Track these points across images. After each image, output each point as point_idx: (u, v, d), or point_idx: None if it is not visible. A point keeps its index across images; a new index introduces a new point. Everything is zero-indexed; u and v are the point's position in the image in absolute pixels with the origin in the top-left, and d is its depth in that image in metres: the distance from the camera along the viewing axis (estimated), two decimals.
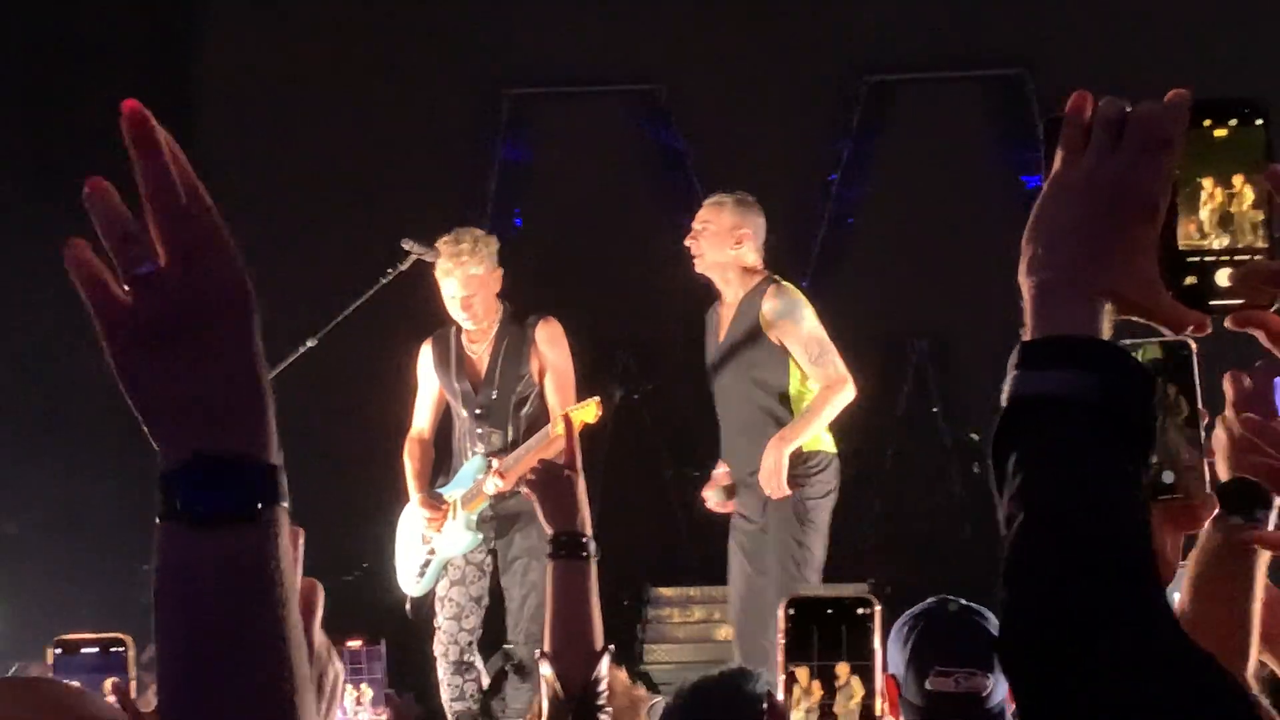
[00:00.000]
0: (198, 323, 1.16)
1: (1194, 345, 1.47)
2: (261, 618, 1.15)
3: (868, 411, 6.91)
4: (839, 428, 6.23)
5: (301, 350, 6.06)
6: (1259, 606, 1.88)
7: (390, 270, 6.15)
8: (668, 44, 10.18)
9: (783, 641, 1.97)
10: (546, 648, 2.95)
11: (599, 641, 2.96)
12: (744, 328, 6.13)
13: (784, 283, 6.15)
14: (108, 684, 2.26)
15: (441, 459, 6.50)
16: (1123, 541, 1.22)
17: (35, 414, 8.07)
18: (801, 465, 6.00)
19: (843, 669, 1.96)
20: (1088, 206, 1.30)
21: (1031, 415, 1.26)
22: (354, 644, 3.90)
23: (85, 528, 7.86)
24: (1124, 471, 1.24)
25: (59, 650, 2.30)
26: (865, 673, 1.96)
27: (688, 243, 6.23)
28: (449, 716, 6.26)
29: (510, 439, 6.28)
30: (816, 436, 6.04)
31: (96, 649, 2.27)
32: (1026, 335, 1.29)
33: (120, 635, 2.32)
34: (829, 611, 1.98)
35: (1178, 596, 1.89)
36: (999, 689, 3.05)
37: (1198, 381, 1.50)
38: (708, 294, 6.36)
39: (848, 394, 6.01)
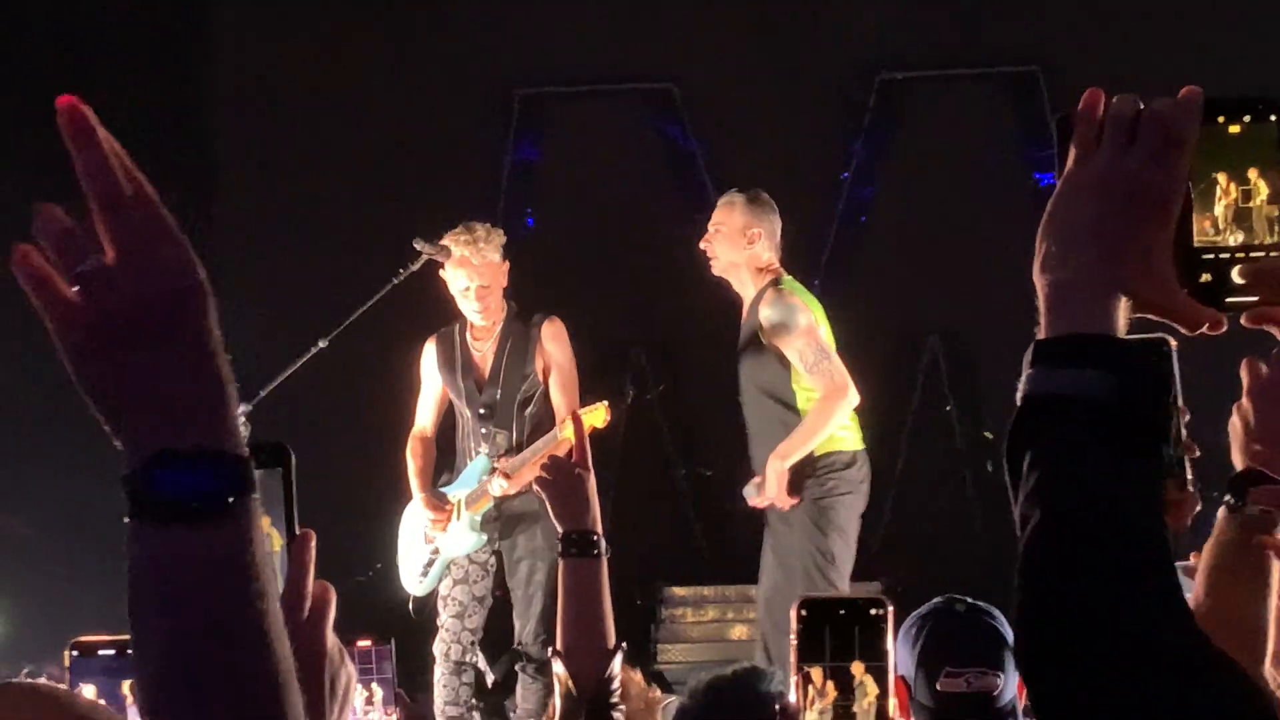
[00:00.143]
0: (149, 317, 1.14)
1: (1174, 343, 1.47)
2: (242, 610, 1.14)
3: (880, 410, 6.88)
4: None
5: (313, 352, 6.04)
6: (1276, 601, 1.87)
7: (401, 271, 6.13)
8: (679, 43, 10.17)
9: (795, 642, 1.98)
10: (559, 646, 2.95)
11: (611, 640, 2.95)
12: (748, 335, 6.07)
13: (783, 286, 6.02)
14: (126, 686, 2.26)
15: (444, 458, 6.48)
16: (1138, 541, 1.21)
17: (37, 414, 8.08)
18: (813, 468, 5.93)
19: (857, 668, 1.96)
20: (1102, 204, 1.29)
21: (1047, 414, 1.25)
22: (363, 644, 3.90)
23: (88, 528, 7.86)
24: (1139, 470, 1.24)
25: (76, 652, 2.29)
26: (879, 673, 1.96)
27: (703, 245, 6.19)
28: (440, 718, 6.22)
29: (515, 439, 6.25)
30: (832, 436, 5.94)
31: (114, 651, 2.26)
32: (1041, 333, 1.29)
33: None
34: (842, 612, 1.99)
35: (1191, 588, 1.89)
36: (1009, 687, 3.05)
37: (1178, 378, 1.50)
38: (720, 292, 6.33)
39: (848, 402, 5.90)
